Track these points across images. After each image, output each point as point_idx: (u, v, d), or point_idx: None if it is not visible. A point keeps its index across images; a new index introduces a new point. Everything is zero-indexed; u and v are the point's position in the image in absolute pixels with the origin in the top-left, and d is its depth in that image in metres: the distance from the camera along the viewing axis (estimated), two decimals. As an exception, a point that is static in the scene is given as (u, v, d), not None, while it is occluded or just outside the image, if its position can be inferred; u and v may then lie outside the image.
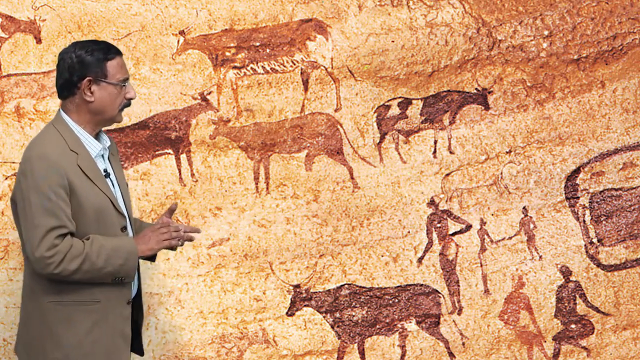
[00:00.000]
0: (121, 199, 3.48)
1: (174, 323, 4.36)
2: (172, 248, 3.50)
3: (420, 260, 4.58)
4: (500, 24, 4.69)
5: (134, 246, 3.36)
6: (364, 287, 4.53)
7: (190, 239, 3.50)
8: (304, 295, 4.47)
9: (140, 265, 4.05)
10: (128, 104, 3.44)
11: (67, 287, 3.33)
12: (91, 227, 3.34)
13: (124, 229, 3.43)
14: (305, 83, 4.56)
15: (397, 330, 4.53)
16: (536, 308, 4.60)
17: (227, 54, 4.49)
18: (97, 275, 3.31)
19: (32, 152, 3.31)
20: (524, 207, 4.65)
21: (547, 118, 4.69)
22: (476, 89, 4.67)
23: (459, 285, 4.58)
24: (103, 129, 3.50)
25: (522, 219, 4.64)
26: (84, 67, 3.35)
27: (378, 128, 4.61)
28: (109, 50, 3.38)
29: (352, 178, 4.57)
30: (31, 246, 3.24)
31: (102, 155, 3.47)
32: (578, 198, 4.67)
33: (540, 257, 4.63)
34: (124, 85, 3.39)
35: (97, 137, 3.46)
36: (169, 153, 4.44)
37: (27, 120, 4.26)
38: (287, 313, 4.46)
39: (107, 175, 3.44)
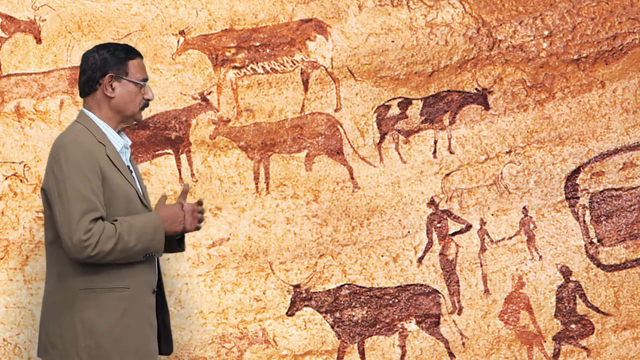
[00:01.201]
0: (141, 194, 3.56)
1: (174, 323, 4.35)
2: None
3: (420, 260, 4.58)
4: (500, 24, 4.69)
5: (160, 220, 3.44)
6: (364, 287, 4.53)
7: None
8: (304, 295, 4.47)
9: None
10: (146, 105, 3.58)
11: (97, 274, 3.40)
12: (120, 215, 3.42)
13: None
14: (305, 83, 4.56)
15: (397, 330, 4.53)
16: (536, 308, 4.60)
17: (227, 54, 4.49)
18: (130, 253, 3.38)
19: (65, 140, 3.43)
20: (524, 207, 4.65)
21: (547, 118, 4.69)
22: (476, 89, 4.67)
23: (459, 285, 4.58)
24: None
25: (522, 219, 4.64)
26: (107, 64, 3.50)
27: (378, 128, 4.61)
28: (130, 51, 3.55)
29: (352, 178, 4.57)
30: (68, 231, 3.32)
31: (124, 153, 3.57)
32: (578, 198, 4.66)
33: (540, 257, 4.63)
34: (143, 85, 3.53)
35: (119, 134, 3.59)
36: (169, 153, 4.44)
37: (27, 120, 4.26)
38: (287, 313, 4.46)
39: (131, 170, 3.55)
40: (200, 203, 3.59)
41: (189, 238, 4.41)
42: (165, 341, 3.64)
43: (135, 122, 3.62)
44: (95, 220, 3.33)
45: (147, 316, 3.48)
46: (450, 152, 4.65)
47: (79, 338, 3.40)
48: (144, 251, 3.40)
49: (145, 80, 3.55)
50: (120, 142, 3.53)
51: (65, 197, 3.34)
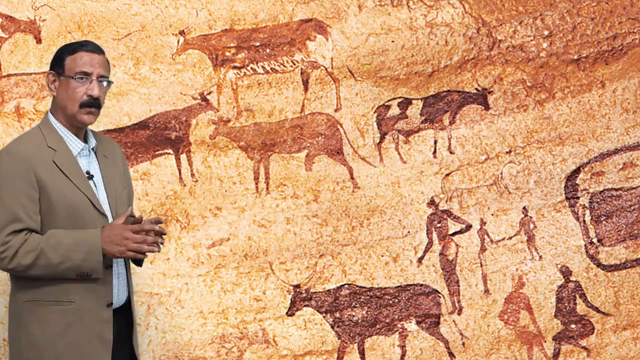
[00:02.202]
0: (105, 200, 3.38)
1: (174, 323, 4.35)
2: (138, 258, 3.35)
3: (420, 260, 4.58)
4: (500, 24, 4.69)
5: (98, 241, 3.23)
6: (364, 287, 4.53)
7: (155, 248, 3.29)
8: (304, 295, 4.47)
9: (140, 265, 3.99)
10: (91, 103, 3.32)
11: (41, 286, 3.28)
12: (64, 225, 3.27)
13: None
14: (305, 83, 4.56)
15: (397, 330, 4.53)
16: (536, 308, 4.60)
17: (227, 54, 4.49)
18: (57, 270, 3.23)
19: (3, 149, 3.32)
20: (524, 207, 4.65)
21: (547, 118, 4.69)
22: (476, 89, 4.67)
23: (459, 285, 4.58)
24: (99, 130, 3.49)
25: (522, 219, 4.64)
26: (53, 62, 3.36)
27: (378, 128, 4.61)
28: (78, 46, 3.34)
29: (352, 178, 4.57)
30: None
31: (85, 156, 3.40)
32: (578, 198, 4.67)
33: (540, 257, 4.63)
34: (80, 79, 3.30)
35: (85, 137, 3.41)
36: (169, 153, 4.44)
37: (27, 120, 4.26)
38: (287, 313, 4.46)
39: (91, 176, 3.37)
40: (136, 220, 3.27)
41: (189, 238, 4.41)
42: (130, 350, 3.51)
43: (81, 124, 3.36)
44: (17, 232, 3.20)
45: (97, 331, 3.31)
46: (450, 152, 4.65)
47: (23, 350, 3.31)
48: (74, 270, 3.23)
49: (86, 74, 3.31)
50: (78, 146, 3.35)
51: None
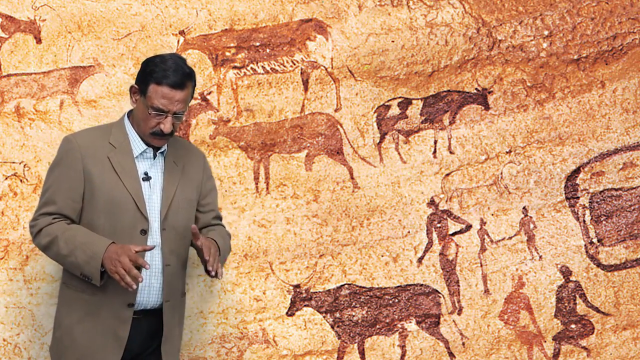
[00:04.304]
0: (157, 204, 3.47)
1: (174, 323, 4.35)
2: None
3: (420, 260, 4.58)
4: (500, 24, 4.69)
5: (102, 250, 3.30)
6: (364, 287, 4.53)
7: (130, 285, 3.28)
8: (304, 295, 4.47)
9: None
10: (161, 134, 3.45)
11: (73, 273, 3.43)
12: (101, 218, 3.40)
13: (144, 232, 3.43)
14: (305, 83, 4.56)
15: (397, 330, 4.53)
16: (536, 308, 4.60)
17: (227, 54, 4.49)
18: (65, 262, 3.39)
19: (65, 136, 3.53)
20: (524, 207, 4.65)
21: (547, 118, 4.69)
22: (476, 89, 4.67)
23: (459, 285, 4.58)
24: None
25: (522, 219, 4.64)
26: (140, 74, 3.48)
27: (378, 128, 4.61)
28: (163, 77, 3.40)
29: (352, 178, 4.57)
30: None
31: (152, 159, 3.51)
32: (578, 198, 4.67)
33: (540, 257, 4.63)
34: (152, 114, 3.41)
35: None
36: (169, 153, 4.44)
37: (27, 120, 4.26)
38: (287, 313, 4.46)
39: (147, 178, 3.47)
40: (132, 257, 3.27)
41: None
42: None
43: (152, 145, 3.51)
44: (48, 214, 3.40)
45: (113, 327, 3.40)
46: (450, 152, 4.65)
47: (55, 328, 3.51)
48: (77, 268, 3.33)
49: (158, 110, 3.41)
50: (140, 147, 3.48)
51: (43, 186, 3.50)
